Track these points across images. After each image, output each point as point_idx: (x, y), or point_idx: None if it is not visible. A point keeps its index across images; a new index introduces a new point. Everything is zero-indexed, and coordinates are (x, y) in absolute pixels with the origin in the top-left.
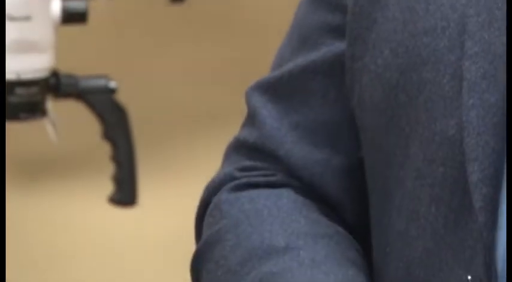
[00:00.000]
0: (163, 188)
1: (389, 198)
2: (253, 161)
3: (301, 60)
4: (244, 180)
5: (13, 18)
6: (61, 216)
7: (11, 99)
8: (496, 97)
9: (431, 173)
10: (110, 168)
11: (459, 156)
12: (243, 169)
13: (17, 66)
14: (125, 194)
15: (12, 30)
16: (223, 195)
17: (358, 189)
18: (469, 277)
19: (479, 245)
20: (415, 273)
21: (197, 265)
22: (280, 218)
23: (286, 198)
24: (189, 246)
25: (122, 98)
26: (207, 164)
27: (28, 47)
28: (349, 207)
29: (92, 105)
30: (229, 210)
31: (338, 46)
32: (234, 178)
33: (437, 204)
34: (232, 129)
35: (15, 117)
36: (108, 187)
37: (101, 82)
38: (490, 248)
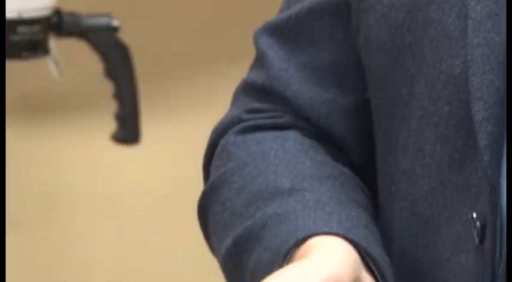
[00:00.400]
0: (166, 126)
1: (394, 137)
2: (261, 103)
3: (308, 2)
4: (251, 122)
5: None
6: (64, 154)
7: (13, 37)
8: (500, 36)
9: (436, 112)
10: (112, 107)
11: (464, 95)
12: (251, 111)
13: (19, 5)
14: (127, 132)
15: None
16: (231, 137)
17: (365, 130)
18: (474, 215)
19: (484, 184)
20: (420, 212)
21: (203, 207)
22: (286, 160)
23: (292, 140)
24: (193, 185)
25: (124, 36)
26: (209, 103)
27: None
28: (356, 148)
29: (94, 44)
30: (236, 153)
31: None
32: (241, 120)
33: (443, 143)
34: (237, 69)
35: (17, 55)
36: (111, 125)
37: (103, 20)
38: (495, 186)
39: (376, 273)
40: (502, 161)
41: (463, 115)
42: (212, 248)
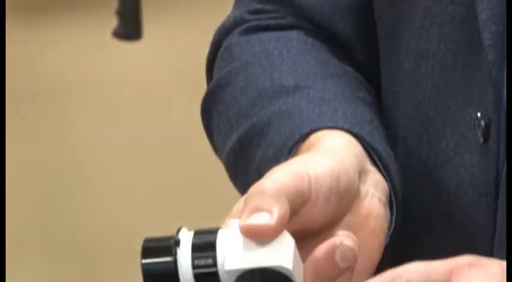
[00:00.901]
0: (168, 23)
1: (397, 38)
2: (264, 3)
3: None
4: (254, 23)
5: None
6: (64, 51)
7: None
8: None
9: (440, 12)
10: (114, 2)
11: None
12: (253, 12)
13: None
14: (129, 27)
15: None
16: (234, 38)
17: (368, 29)
18: (478, 114)
19: (488, 83)
20: (424, 111)
21: (207, 106)
22: (290, 59)
23: (296, 40)
24: (196, 81)
25: None
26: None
27: None
28: (359, 47)
29: None
30: (239, 53)
31: None
32: (244, 21)
33: (446, 43)
34: None
35: None
36: (112, 21)
37: None
38: (499, 85)
39: (381, 167)
40: (504, 61)
41: (467, 14)
42: (216, 149)
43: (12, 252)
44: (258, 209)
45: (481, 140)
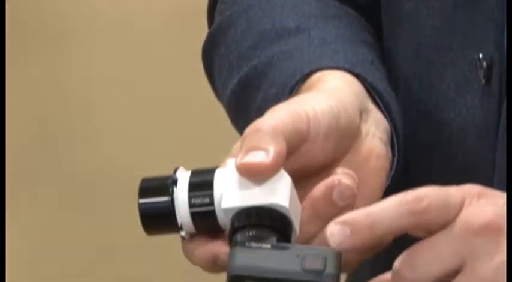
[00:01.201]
0: None
1: None
2: None
3: None
4: None
5: None
6: None
7: None
8: None
9: None
10: None
11: None
12: None
13: None
14: None
15: None
16: None
17: None
18: (480, 55)
19: (490, 24)
20: (425, 53)
21: (208, 49)
22: (291, 1)
23: None
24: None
25: None
26: None
27: None
28: None
29: None
30: None
31: None
32: None
33: None
34: None
35: None
36: None
37: None
38: (501, 26)
39: (382, 106)
40: (505, 3)
41: None
42: (217, 92)
43: (12, 188)
44: (254, 148)
45: (483, 81)
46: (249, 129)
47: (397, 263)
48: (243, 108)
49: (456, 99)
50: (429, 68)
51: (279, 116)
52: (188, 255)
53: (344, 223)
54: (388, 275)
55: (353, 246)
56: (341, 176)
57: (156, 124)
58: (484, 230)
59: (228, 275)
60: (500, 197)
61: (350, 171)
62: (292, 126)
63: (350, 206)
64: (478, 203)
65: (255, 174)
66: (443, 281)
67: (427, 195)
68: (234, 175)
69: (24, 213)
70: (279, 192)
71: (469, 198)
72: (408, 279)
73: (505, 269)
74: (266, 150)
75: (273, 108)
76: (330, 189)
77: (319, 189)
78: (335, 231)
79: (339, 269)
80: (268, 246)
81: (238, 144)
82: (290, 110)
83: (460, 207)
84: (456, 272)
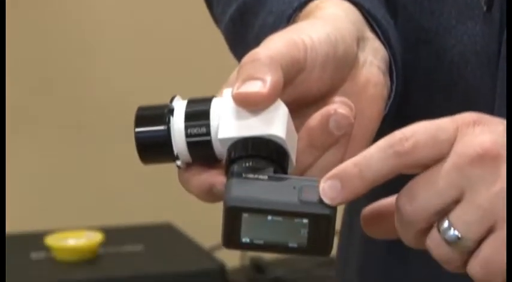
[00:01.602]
0: None
1: None
2: None
3: None
4: None
5: None
6: None
7: None
8: None
9: None
10: None
11: None
12: None
13: None
14: None
15: None
16: None
17: None
18: None
19: None
20: None
21: None
22: None
23: None
24: None
25: None
26: None
27: None
28: None
29: None
30: None
31: None
32: None
33: None
34: None
35: None
36: None
37: None
38: None
39: (380, 34)
40: None
41: None
42: (215, 20)
43: (12, 122)
44: (250, 78)
45: (484, 8)
46: (245, 59)
47: (398, 198)
48: (241, 37)
49: (457, 26)
50: None
51: (276, 46)
52: (184, 184)
53: (334, 177)
54: (386, 200)
55: (346, 199)
56: (337, 105)
57: (153, 55)
58: (481, 158)
59: (224, 206)
60: (500, 124)
61: (347, 100)
62: (289, 55)
63: (347, 135)
64: (474, 131)
65: (251, 104)
66: (444, 210)
67: (413, 134)
68: (231, 105)
69: (24, 151)
70: (275, 123)
71: (464, 127)
72: (408, 211)
73: (504, 197)
74: (263, 80)
75: (270, 37)
76: (326, 118)
77: (315, 118)
78: (326, 187)
79: None
80: (265, 177)
81: (234, 74)
82: (287, 39)
83: (454, 138)
84: (456, 202)
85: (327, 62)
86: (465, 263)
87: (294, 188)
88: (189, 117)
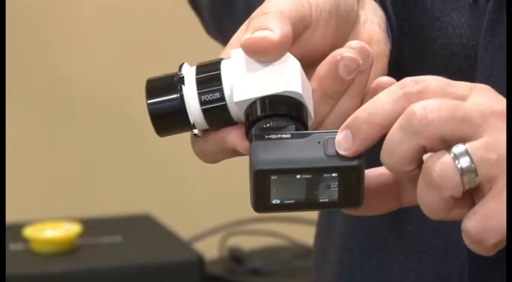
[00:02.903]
0: None
1: None
2: None
3: None
4: None
5: None
6: None
7: None
8: None
9: None
10: None
11: None
12: None
13: None
14: None
15: None
16: None
17: None
18: None
19: None
20: None
21: None
22: None
23: None
24: None
25: None
26: None
27: None
28: None
29: None
30: None
31: None
32: None
33: None
34: None
35: None
36: None
37: None
38: None
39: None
40: None
41: None
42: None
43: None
44: (261, 27)
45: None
46: (255, 13)
47: (415, 105)
48: (230, 4)
49: (441, 18)
50: None
51: (284, 2)
52: (202, 151)
53: (346, 127)
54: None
55: (359, 149)
56: (344, 50)
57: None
58: (501, 114)
59: (251, 171)
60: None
61: (363, 43)
62: (296, 13)
63: (363, 77)
64: (489, 94)
65: (262, 52)
66: (448, 141)
67: (426, 79)
68: (242, 65)
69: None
70: (290, 78)
71: (480, 89)
72: (420, 120)
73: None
74: (273, 30)
75: None
76: (335, 64)
77: (323, 67)
78: (340, 139)
79: None
80: (288, 135)
81: (237, 35)
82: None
83: (466, 96)
84: (462, 139)
85: (330, 18)
86: (453, 207)
87: (319, 142)
88: (201, 83)
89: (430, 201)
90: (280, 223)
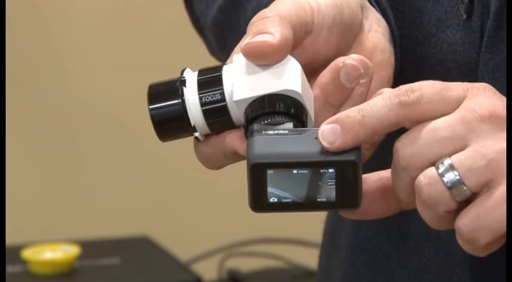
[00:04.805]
0: None
1: None
2: None
3: None
4: None
5: None
6: None
7: None
8: None
9: None
10: None
11: None
12: None
13: None
14: None
15: None
16: None
17: None
18: None
19: None
20: None
21: None
22: None
23: None
24: None
25: None
26: None
27: None
28: None
29: None
30: None
31: None
32: None
33: None
34: None
35: None
36: None
37: None
38: None
39: (377, 9)
40: None
41: None
42: (195, 19)
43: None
44: (261, 31)
45: (464, 16)
46: (254, 18)
47: (398, 140)
48: (232, 24)
49: (437, 35)
50: (410, 3)
51: (284, 7)
52: (204, 156)
53: (334, 121)
54: (387, 171)
55: (345, 144)
56: (345, 58)
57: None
58: (491, 117)
59: (248, 165)
60: (503, 97)
61: (361, 56)
62: (297, 18)
63: (364, 87)
64: (485, 93)
65: (261, 56)
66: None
67: (420, 87)
68: (242, 68)
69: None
70: (289, 78)
71: (475, 89)
72: (407, 155)
73: (505, 158)
74: (273, 34)
75: (276, 1)
76: (337, 72)
77: (325, 74)
78: (325, 130)
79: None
80: (285, 131)
81: (241, 43)
82: (294, 1)
83: (463, 98)
84: (449, 155)
85: (333, 26)
86: (451, 213)
87: (316, 138)
88: (202, 85)
89: (428, 217)
90: (279, 245)
